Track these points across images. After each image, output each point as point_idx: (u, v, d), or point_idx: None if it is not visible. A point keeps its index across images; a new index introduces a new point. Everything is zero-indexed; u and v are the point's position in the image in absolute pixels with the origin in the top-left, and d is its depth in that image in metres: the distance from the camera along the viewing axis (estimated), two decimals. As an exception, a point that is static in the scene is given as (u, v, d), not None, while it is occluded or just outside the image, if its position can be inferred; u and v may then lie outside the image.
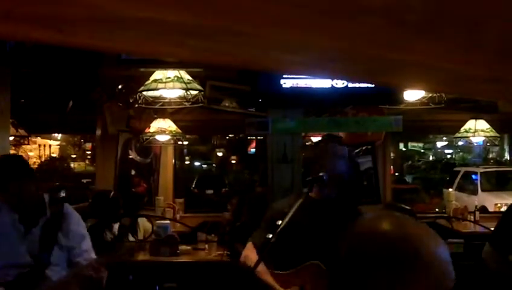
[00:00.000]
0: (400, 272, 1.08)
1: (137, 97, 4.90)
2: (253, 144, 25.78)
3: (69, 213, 3.10)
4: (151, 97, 4.89)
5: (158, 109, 5.63)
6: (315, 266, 3.00)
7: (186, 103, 5.03)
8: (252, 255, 3.18)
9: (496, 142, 7.50)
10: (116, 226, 5.27)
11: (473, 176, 15.04)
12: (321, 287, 2.90)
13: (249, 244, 3.28)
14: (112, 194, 5.65)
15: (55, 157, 27.56)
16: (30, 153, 24.23)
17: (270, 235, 2.95)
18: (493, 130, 7.04)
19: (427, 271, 1.08)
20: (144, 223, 5.75)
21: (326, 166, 3.14)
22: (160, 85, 4.63)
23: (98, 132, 7.57)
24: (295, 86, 4.96)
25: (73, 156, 30.27)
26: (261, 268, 3.02)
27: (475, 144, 7.86)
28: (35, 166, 22.60)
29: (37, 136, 20.36)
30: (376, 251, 1.10)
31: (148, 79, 4.75)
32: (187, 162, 26.54)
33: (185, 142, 10.37)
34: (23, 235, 2.92)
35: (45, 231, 2.95)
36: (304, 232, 3.09)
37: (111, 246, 4.92)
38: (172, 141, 7.00)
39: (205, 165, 29.58)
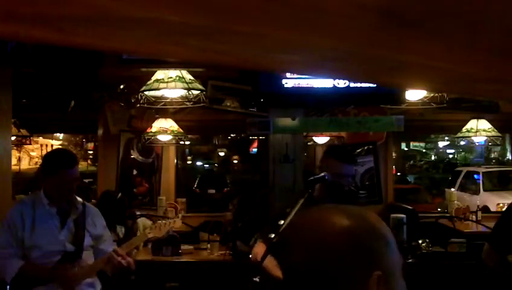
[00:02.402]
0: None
1: (139, 97, 4.91)
2: (255, 144, 25.80)
3: (91, 208, 3.64)
4: (153, 97, 4.90)
5: (160, 108, 5.63)
6: None
7: (187, 103, 5.03)
8: (261, 251, 3.30)
9: (498, 142, 7.49)
10: (119, 227, 5.26)
11: (475, 176, 15.03)
12: None
13: (259, 242, 3.46)
14: (119, 195, 5.64)
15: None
16: (32, 153, 24.26)
17: (272, 235, 3.01)
18: (495, 129, 7.04)
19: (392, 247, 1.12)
20: (144, 223, 5.76)
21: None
22: (162, 85, 4.63)
23: (100, 132, 7.58)
24: (297, 85, 4.96)
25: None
26: (270, 263, 3.13)
27: (477, 144, 7.86)
28: (37, 166, 22.62)
29: (38, 136, 20.36)
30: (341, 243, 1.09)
31: (149, 79, 4.76)
32: (189, 162, 26.56)
33: (187, 142, 10.37)
34: (61, 226, 3.41)
35: (77, 221, 3.45)
36: None
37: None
38: (174, 141, 7.01)
39: (207, 165, 29.60)
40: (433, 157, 31.72)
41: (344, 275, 1.07)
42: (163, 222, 3.84)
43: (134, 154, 7.68)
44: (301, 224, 1.18)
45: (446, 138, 27.36)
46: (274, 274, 3.23)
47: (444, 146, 31.45)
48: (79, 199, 3.55)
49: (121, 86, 6.57)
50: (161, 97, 4.97)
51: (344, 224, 1.10)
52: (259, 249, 3.39)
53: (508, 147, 23.80)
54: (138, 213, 6.38)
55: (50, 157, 3.61)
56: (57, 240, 3.38)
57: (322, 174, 3.32)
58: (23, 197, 3.61)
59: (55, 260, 3.34)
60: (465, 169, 16.57)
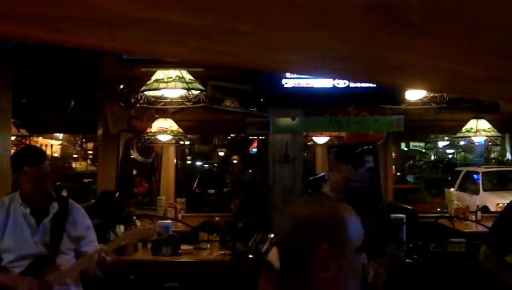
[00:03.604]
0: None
1: (139, 97, 4.91)
2: (255, 144, 25.80)
3: (75, 206, 3.40)
4: (153, 97, 4.90)
5: (159, 108, 5.64)
6: None
7: (187, 103, 5.04)
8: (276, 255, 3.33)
9: (498, 142, 7.50)
10: (118, 227, 5.26)
11: (475, 176, 15.03)
12: None
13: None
14: (117, 195, 5.64)
15: (56, 157, 27.54)
16: (32, 153, 24.23)
17: (272, 235, 3.01)
18: (495, 129, 7.04)
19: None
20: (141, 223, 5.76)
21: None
22: (161, 85, 4.63)
23: (100, 132, 7.58)
24: (296, 85, 4.96)
25: (75, 156, 30.27)
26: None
27: (477, 144, 7.86)
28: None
29: (38, 136, 20.33)
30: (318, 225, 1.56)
31: (149, 79, 4.76)
32: (189, 162, 26.54)
33: (187, 142, 10.36)
34: (35, 227, 3.20)
35: (55, 222, 3.23)
36: None
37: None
38: (173, 141, 7.01)
39: (207, 165, 29.59)
40: (432, 157, 31.71)
41: (302, 245, 1.54)
42: (136, 229, 3.70)
43: (134, 154, 7.68)
44: (288, 212, 1.69)
45: (446, 138, 27.35)
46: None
47: (443, 146, 31.44)
48: (64, 196, 3.42)
49: (121, 86, 6.58)
50: (161, 97, 4.97)
51: (307, 211, 1.61)
52: (275, 253, 3.42)
53: (508, 147, 23.79)
54: (138, 213, 6.39)
55: (15, 155, 3.42)
56: (29, 243, 3.17)
57: (322, 174, 3.33)
58: (3, 197, 3.41)
59: (27, 264, 3.13)
60: (464, 169, 16.57)
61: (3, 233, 3.16)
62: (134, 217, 5.98)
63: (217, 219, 6.51)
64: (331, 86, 4.98)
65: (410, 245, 3.19)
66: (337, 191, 3.39)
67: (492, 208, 11.93)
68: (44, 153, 3.54)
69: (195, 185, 19.39)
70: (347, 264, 1.54)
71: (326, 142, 8.05)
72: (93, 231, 3.45)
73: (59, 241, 3.21)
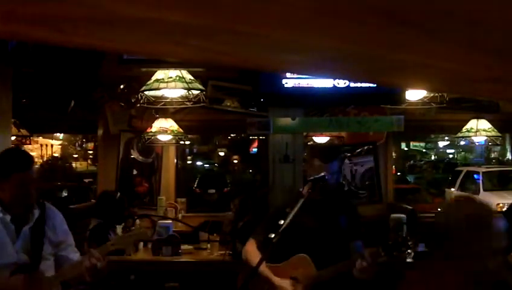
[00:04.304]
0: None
1: (139, 97, 4.91)
2: (255, 144, 25.79)
3: (52, 210, 3.19)
4: (153, 97, 4.90)
5: (160, 108, 5.63)
6: (303, 258, 3.30)
7: (187, 103, 5.03)
8: (251, 249, 3.44)
9: (498, 142, 7.50)
10: (119, 227, 5.26)
11: (475, 176, 15.01)
12: (309, 275, 3.25)
13: (251, 240, 3.51)
14: (118, 195, 5.63)
15: (57, 157, 27.60)
16: (32, 153, 24.23)
17: (272, 235, 3.03)
18: (495, 129, 7.04)
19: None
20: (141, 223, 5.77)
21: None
22: (162, 85, 4.63)
23: (100, 132, 7.59)
24: (297, 85, 4.96)
25: (75, 155, 30.30)
26: (256, 259, 3.25)
27: (477, 144, 7.86)
28: (37, 166, 22.63)
29: (38, 136, 20.38)
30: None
31: (149, 79, 4.76)
32: (189, 162, 26.54)
33: (187, 142, 10.37)
34: (15, 235, 3.00)
35: (34, 228, 3.04)
36: (299, 228, 3.26)
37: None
38: (174, 141, 7.01)
39: (207, 165, 29.61)
40: (433, 157, 31.72)
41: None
42: (128, 234, 3.46)
43: (134, 154, 7.68)
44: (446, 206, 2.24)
45: (446, 137, 27.36)
46: (263, 272, 3.29)
47: (444, 146, 31.46)
48: (41, 201, 3.15)
49: (121, 86, 6.58)
50: (161, 97, 4.97)
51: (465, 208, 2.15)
52: (249, 247, 3.48)
53: (508, 147, 23.78)
54: (138, 213, 6.39)
55: (1, 159, 3.05)
56: (9, 251, 2.96)
57: (322, 174, 3.34)
58: None
59: (8, 273, 2.91)
60: (465, 169, 16.56)
61: None
62: (135, 217, 5.98)
63: (228, 213, 6.45)
64: (331, 86, 4.98)
65: (390, 242, 3.20)
66: (317, 189, 3.40)
67: (493, 208, 11.91)
68: (31, 156, 3.30)
69: (195, 185, 19.40)
70: None
71: (326, 142, 8.05)
72: (71, 235, 3.28)
73: (41, 248, 3.03)
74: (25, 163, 3.02)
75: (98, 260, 2.91)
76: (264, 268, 3.30)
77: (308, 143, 8.40)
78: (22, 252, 2.98)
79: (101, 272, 2.94)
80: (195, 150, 28.54)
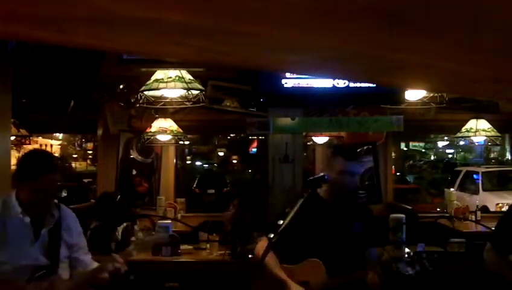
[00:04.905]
0: None
1: (139, 97, 4.90)
2: (255, 144, 25.80)
3: (67, 212, 3.21)
4: (153, 97, 4.89)
5: (159, 108, 5.63)
6: (315, 262, 3.28)
7: (187, 103, 5.03)
8: (262, 248, 3.37)
9: (497, 142, 7.49)
10: (119, 229, 5.25)
11: (475, 176, 15.03)
12: (320, 280, 3.23)
13: (264, 238, 3.47)
14: (118, 197, 5.61)
15: (56, 157, 27.56)
16: (31, 153, 24.21)
17: (272, 235, 3.04)
18: (494, 129, 7.04)
19: None
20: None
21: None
22: (161, 85, 4.62)
23: (100, 132, 7.58)
24: (296, 85, 4.96)
25: (75, 155, 30.29)
26: (271, 260, 3.29)
27: (476, 144, 7.85)
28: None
29: (38, 136, 20.32)
30: None
31: (149, 79, 4.75)
32: (188, 162, 26.55)
33: (186, 142, 10.37)
34: (34, 237, 3.02)
35: (52, 231, 3.06)
36: (314, 229, 3.32)
37: (117, 248, 4.88)
38: (173, 141, 7.01)
39: (206, 165, 29.60)
40: (432, 157, 31.72)
41: None
42: (148, 239, 3.51)
43: (133, 154, 7.68)
44: None
45: (446, 137, 27.36)
46: (273, 272, 3.29)
47: (443, 146, 31.45)
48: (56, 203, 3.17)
49: (121, 86, 6.57)
50: (161, 97, 4.97)
51: None
52: (261, 246, 3.44)
53: (508, 147, 23.80)
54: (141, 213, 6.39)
55: (27, 161, 3.09)
56: (29, 254, 2.98)
57: (322, 174, 3.34)
58: None
59: (27, 276, 2.94)
60: (464, 169, 16.57)
61: (0, 244, 2.96)
62: (136, 218, 5.97)
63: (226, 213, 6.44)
64: (331, 86, 4.98)
65: (412, 254, 3.19)
66: (334, 189, 3.39)
67: (492, 208, 11.92)
68: (56, 159, 3.36)
69: (195, 185, 19.40)
70: None
71: (326, 142, 8.05)
72: (84, 237, 3.32)
73: (58, 250, 3.06)
74: (51, 165, 3.03)
75: (121, 265, 2.96)
76: (279, 270, 3.32)
77: (308, 143, 8.40)
78: (41, 255, 3.00)
79: (121, 275, 2.99)
80: (194, 150, 28.53)
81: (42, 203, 3.03)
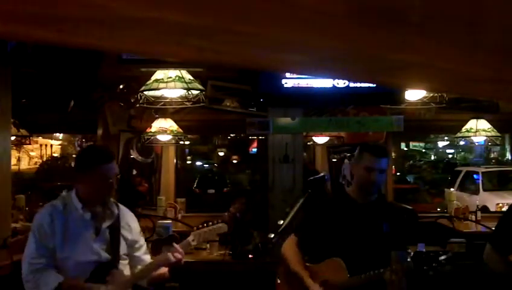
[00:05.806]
0: None
1: (139, 97, 4.90)
2: (255, 144, 25.78)
3: (125, 211, 3.28)
4: (153, 97, 4.89)
5: (159, 108, 5.63)
6: (337, 262, 3.24)
7: (187, 103, 5.03)
8: (289, 246, 3.42)
9: (498, 142, 7.50)
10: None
11: (475, 176, 15.03)
12: (339, 280, 3.21)
13: (292, 237, 3.47)
14: (118, 197, 5.61)
15: (56, 156, 27.55)
16: (32, 153, 24.25)
17: (272, 235, 3.04)
18: (494, 129, 7.04)
19: None
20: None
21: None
22: (161, 85, 4.62)
23: (100, 132, 7.58)
24: (296, 85, 4.96)
25: (75, 155, 30.27)
26: (295, 258, 3.34)
27: (476, 144, 7.86)
28: (37, 166, 22.63)
29: (38, 136, 20.35)
30: None
31: (149, 79, 4.75)
32: (188, 162, 26.51)
33: (186, 142, 10.36)
34: (95, 233, 3.08)
35: (112, 227, 3.12)
36: (342, 229, 3.29)
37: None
38: (173, 141, 7.02)
39: (207, 165, 29.58)
40: (432, 157, 31.70)
41: None
42: (208, 228, 3.39)
43: (133, 154, 7.68)
44: None
45: (446, 138, 27.36)
46: (294, 269, 3.29)
47: (443, 146, 31.44)
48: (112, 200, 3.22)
49: (121, 86, 6.57)
50: (161, 97, 4.97)
51: None
52: (288, 244, 3.45)
53: (508, 147, 23.78)
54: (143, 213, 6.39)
55: (85, 154, 3.31)
56: (91, 249, 3.03)
57: (322, 174, 3.34)
58: (53, 201, 3.21)
59: (89, 271, 3.01)
60: (464, 169, 16.57)
61: (62, 241, 3.00)
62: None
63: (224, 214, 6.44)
64: (331, 86, 4.98)
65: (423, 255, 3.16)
66: (362, 187, 3.35)
67: (492, 208, 11.92)
68: (113, 152, 3.55)
69: (195, 185, 19.39)
70: None
71: (326, 142, 8.05)
72: (143, 236, 3.40)
73: (118, 246, 3.11)
74: (108, 155, 3.15)
75: (182, 255, 3.09)
76: (300, 269, 3.33)
77: (308, 143, 8.40)
78: (102, 251, 3.05)
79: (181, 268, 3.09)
80: (194, 150, 28.53)
81: (103, 194, 3.09)
